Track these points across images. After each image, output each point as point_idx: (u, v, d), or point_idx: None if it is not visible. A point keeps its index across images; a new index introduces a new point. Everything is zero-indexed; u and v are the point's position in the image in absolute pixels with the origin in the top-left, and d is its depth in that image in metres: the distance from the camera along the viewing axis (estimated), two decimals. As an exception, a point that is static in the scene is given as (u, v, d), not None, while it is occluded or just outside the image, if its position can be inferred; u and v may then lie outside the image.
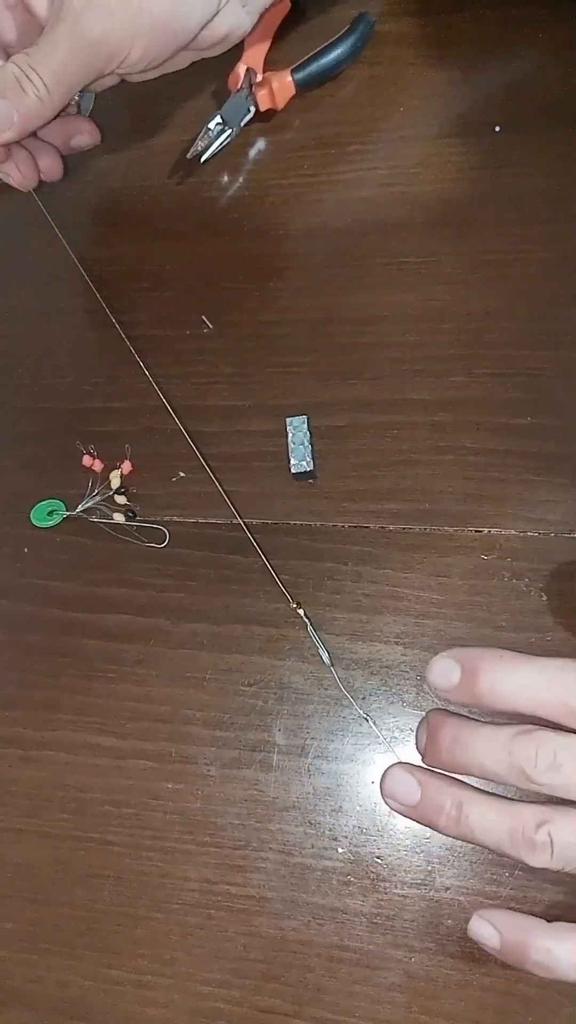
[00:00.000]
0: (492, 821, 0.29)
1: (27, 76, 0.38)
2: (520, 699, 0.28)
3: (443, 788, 0.30)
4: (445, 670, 0.29)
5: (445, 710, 0.30)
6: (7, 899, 0.38)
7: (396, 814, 0.31)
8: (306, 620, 0.38)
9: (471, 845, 0.34)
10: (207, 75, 0.51)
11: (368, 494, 0.40)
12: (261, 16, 0.45)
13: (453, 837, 0.30)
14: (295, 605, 0.38)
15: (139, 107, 0.52)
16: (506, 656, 0.28)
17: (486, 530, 0.38)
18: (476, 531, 0.38)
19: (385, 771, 0.31)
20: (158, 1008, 0.36)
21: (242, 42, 0.49)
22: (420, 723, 0.31)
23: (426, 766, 0.30)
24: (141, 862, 0.37)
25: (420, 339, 0.42)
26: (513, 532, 0.38)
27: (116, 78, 0.42)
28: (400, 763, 0.31)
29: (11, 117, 0.38)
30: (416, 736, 0.31)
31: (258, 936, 0.36)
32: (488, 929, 0.30)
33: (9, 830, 0.39)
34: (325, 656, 0.37)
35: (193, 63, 0.44)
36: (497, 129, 0.46)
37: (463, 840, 0.30)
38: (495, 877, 0.34)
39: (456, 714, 0.30)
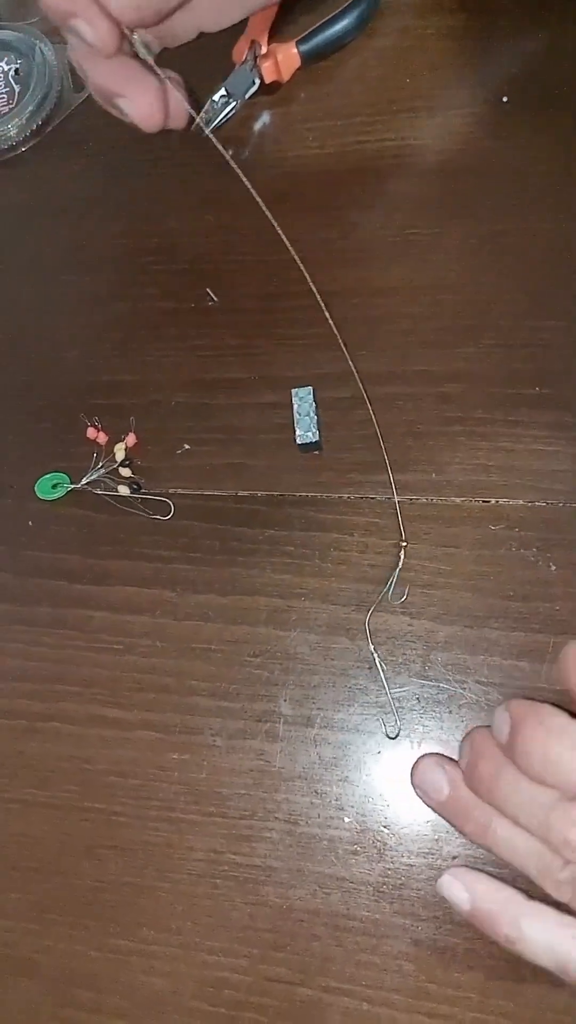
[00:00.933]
0: (521, 845, 0.29)
1: None
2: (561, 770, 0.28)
3: (476, 799, 0.30)
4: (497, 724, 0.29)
5: (487, 729, 0.30)
6: (13, 870, 0.38)
7: (401, 784, 0.31)
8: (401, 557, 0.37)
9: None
10: (211, 48, 0.50)
11: (374, 465, 0.40)
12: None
13: (476, 844, 0.30)
14: (404, 543, 0.37)
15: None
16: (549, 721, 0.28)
17: (494, 500, 0.38)
18: (484, 501, 0.38)
19: (418, 760, 0.31)
20: (164, 978, 0.36)
21: (247, 14, 0.49)
22: (464, 738, 0.31)
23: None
24: (147, 833, 0.37)
25: (427, 311, 0.42)
26: (521, 502, 0.38)
27: (195, 29, 0.38)
28: (433, 755, 0.31)
29: None
30: (460, 749, 0.31)
31: (264, 906, 0.35)
32: (460, 892, 0.30)
33: (15, 801, 0.39)
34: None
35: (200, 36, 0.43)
36: (504, 100, 0.45)
37: (485, 849, 0.30)
38: (503, 846, 0.34)
39: (498, 744, 0.29)
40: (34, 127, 0.51)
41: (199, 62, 0.51)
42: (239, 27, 0.48)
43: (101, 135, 0.51)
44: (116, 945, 0.36)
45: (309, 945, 0.35)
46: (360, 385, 0.40)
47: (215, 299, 0.45)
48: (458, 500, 0.38)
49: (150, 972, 0.36)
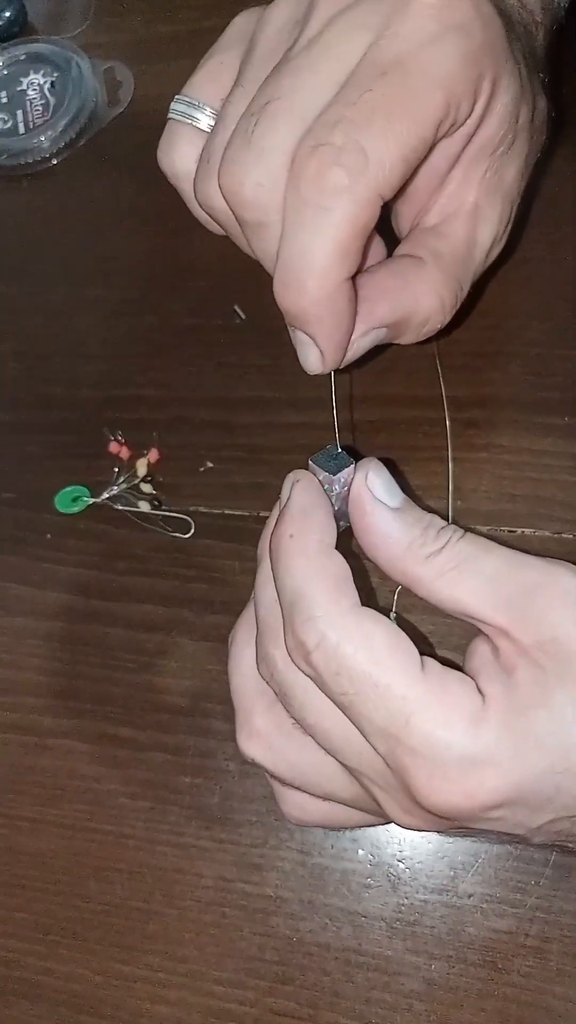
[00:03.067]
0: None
1: None
2: None
3: None
4: None
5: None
6: (20, 889, 0.37)
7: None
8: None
9: (496, 852, 0.33)
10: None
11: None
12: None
13: None
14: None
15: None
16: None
17: (520, 530, 0.38)
18: (510, 531, 0.38)
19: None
20: (169, 1006, 0.35)
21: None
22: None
23: None
24: (156, 857, 0.37)
25: (456, 335, 0.41)
26: (547, 533, 0.37)
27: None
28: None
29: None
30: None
31: (274, 937, 0.35)
32: None
33: (24, 819, 0.38)
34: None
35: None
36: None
37: None
38: (521, 885, 0.33)
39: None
40: (67, 140, 0.51)
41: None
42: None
43: (133, 151, 0.51)
44: (121, 971, 0.36)
45: (319, 979, 0.34)
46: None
47: (243, 316, 0.45)
48: (484, 528, 0.38)
49: (155, 1000, 0.35)
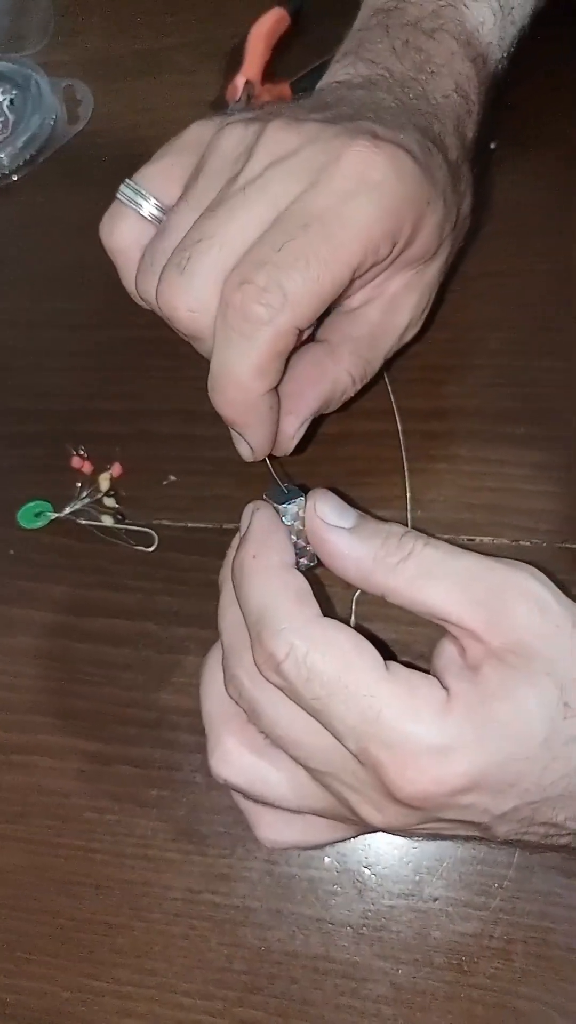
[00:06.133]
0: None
1: None
2: None
3: None
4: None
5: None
6: (-15, 906, 0.37)
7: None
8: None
9: (460, 856, 0.34)
10: (206, 87, 0.52)
11: (359, 502, 0.40)
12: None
13: None
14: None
15: (139, 116, 0.52)
16: None
17: (479, 539, 0.38)
18: (469, 539, 0.38)
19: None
20: (138, 1020, 0.35)
21: (242, 54, 0.50)
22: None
23: None
24: (124, 870, 0.37)
25: (416, 348, 0.42)
26: (506, 541, 0.38)
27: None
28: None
29: None
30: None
31: (242, 947, 0.35)
32: None
33: (-11, 835, 0.38)
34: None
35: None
36: (492, 146, 0.46)
37: None
38: (484, 887, 0.34)
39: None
40: (27, 157, 0.51)
41: (193, 98, 0.52)
42: (234, 67, 0.49)
43: (94, 167, 0.51)
44: (90, 985, 0.35)
45: (287, 988, 0.34)
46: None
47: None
48: (444, 538, 0.38)
49: (124, 1013, 0.35)
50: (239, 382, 0.29)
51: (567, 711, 0.25)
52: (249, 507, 0.31)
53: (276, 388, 0.31)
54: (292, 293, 0.28)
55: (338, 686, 0.25)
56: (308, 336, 0.34)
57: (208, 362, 0.31)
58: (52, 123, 0.52)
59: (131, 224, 0.33)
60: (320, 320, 0.33)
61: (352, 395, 0.36)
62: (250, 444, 0.32)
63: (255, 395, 0.30)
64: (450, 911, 0.34)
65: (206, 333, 0.30)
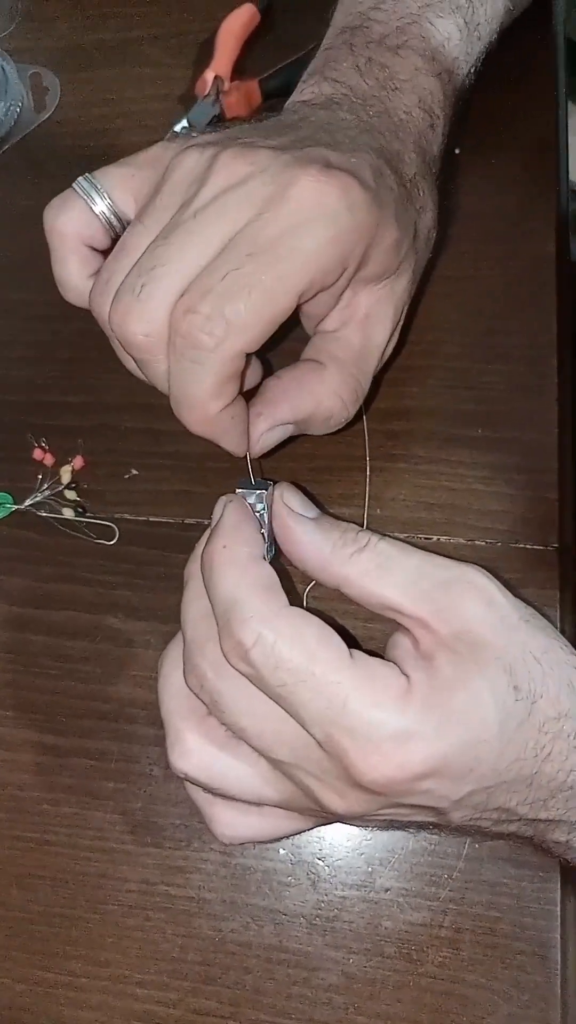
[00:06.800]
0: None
1: None
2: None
3: None
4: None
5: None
6: None
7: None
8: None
9: (412, 847, 0.35)
10: (175, 81, 0.51)
11: (320, 499, 0.40)
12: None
13: None
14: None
15: (107, 107, 0.52)
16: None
17: (436, 538, 0.39)
18: (426, 538, 0.39)
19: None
20: (91, 1011, 0.35)
21: (212, 49, 0.50)
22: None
23: None
24: (80, 863, 0.37)
25: (377, 349, 0.43)
26: (462, 540, 0.39)
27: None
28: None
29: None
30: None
31: (196, 937, 0.35)
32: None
33: (-57, 828, 0.38)
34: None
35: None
36: (457, 151, 0.47)
37: None
38: (435, 878, 0.35)
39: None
40: (-9, 143, 0.51)
41: (162, 92, 0.52)
42: (204, 61, 0.49)
43: (58, 157, 0.51)
44: (43, 977, 0.36)
45: (241, 978, 0.34)
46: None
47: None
48: (401, 536, 0.39)
49: (77, 1005, 0.35)
50: (195, 403, 0.31)
51: (517, 694, 0.27)
52: (222, 500, 0.32)
53: (243, 395, 0.32)
54: (235, 321, 0.29)
55: (305, 674, 0.26)
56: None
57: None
58: (17, 111, 0.51)
59: (78, 214, 0.34)
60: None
61: (343, 421, 0.36)
62: (224, 447, 0.33)
63: (212, 413, 0.31)
64: (401, 901, 0.35)
65: (159, 354, 0.31)
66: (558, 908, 0.34)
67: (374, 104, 0.35)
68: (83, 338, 0.46)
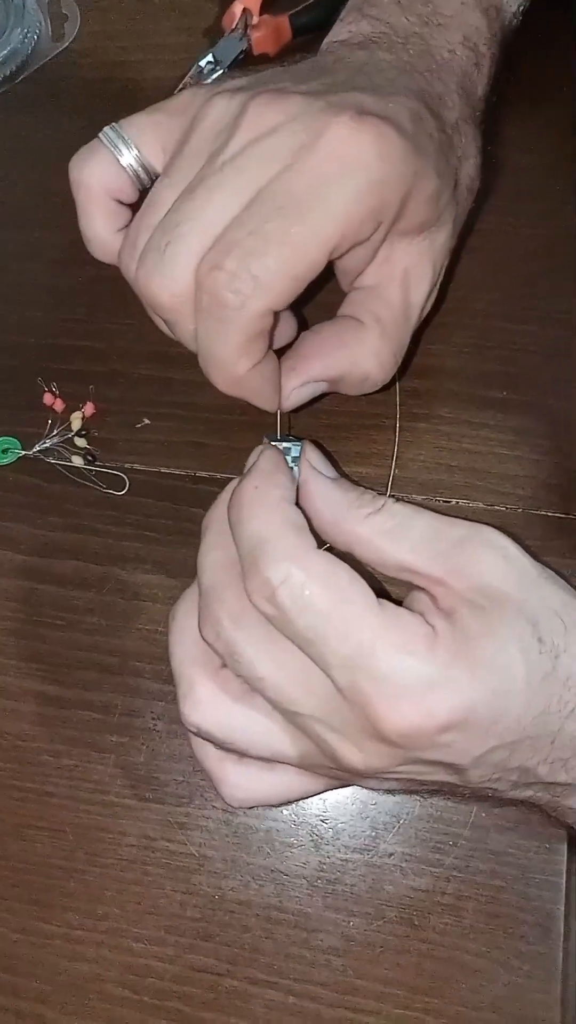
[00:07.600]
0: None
1: None
2: None
3: None
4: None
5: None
6: None
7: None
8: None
9: (417, 813, 0.34)
10: (201, 13, 0.49)
11: (337, 456, 0.39)
12: None
13: None
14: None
15: (129, 39, 0.50)
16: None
17: (454, 501, 0.38)
18: (444, 501, 0.38)
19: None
20: (87, 964, 0.35)
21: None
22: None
23: None
24: (79, 815, 0.36)
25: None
26: (481, 505, 0.38)
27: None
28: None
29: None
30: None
31: (196, 894, 0.35)
32: None
33: (-58, 775, 0.37)
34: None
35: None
36: (493, 99, 0.45)
37: None
38: (439, 845, 0.34)
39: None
40: (6, 74, 0.49)
41: (187, 25, 0.50)
42: (231, -8, 0.46)
43: (77, 89, 0.49)
44: (40, 928, 0.35)
45: (239, 936, 0.34)
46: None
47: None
48: (419, 498, 0.38)
49: (74, 957, 0.35)
50: (223, 363, 0.30)
51: (541, 646, 0.26)
52: (257, 449, 0.31)
53: (273, 352, 0.32)
54: (262, 277, 0.28)
55: (334, 616, 0.26)
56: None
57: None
58: (35, 39, 0.49)
59: (106, 166, 0.33)
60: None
61: (379, 384, 0.35)
62: (256, 405, 0.32)
63: (241, 372, 0.30)
64: (404, 867, 0.34)
65: (186, 314, 0.30)
66: (563, 880, 0.33)
67: (415, 42, 0.33)
68: (99, 283, 0.44)
